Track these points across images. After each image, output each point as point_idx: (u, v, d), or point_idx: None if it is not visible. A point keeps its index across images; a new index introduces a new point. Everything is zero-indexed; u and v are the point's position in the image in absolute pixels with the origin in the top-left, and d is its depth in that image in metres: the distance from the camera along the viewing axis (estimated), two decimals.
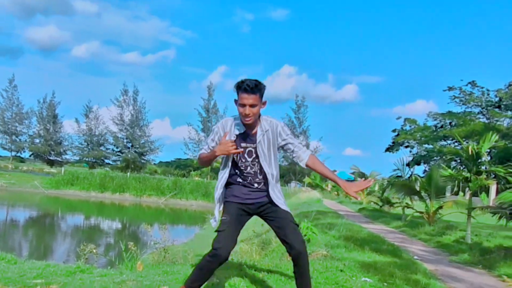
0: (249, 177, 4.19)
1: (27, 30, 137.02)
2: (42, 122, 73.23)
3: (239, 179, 4.22)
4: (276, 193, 4.20)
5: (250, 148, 4.14)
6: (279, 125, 4.18)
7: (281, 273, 5.75)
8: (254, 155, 4.14)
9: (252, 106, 3.95)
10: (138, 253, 7.34)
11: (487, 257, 9.22)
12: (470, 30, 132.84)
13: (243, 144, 4.13)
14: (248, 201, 4.20)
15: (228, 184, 4.28)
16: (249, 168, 4.17)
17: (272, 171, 4.17)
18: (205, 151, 4.29)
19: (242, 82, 3.96)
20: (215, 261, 4.04)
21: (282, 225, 4.16)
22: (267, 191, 4.20)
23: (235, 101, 4.07)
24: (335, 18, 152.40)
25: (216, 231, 4.15)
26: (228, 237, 4.07)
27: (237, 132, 4.13)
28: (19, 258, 6.03)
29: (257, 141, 4.11)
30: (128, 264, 6.23)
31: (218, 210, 4.33)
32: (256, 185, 4.20)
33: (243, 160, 4.16)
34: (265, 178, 4.20)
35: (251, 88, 3.92)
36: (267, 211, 4.22)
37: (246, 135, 4.14)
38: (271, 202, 4.19)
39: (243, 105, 3.95)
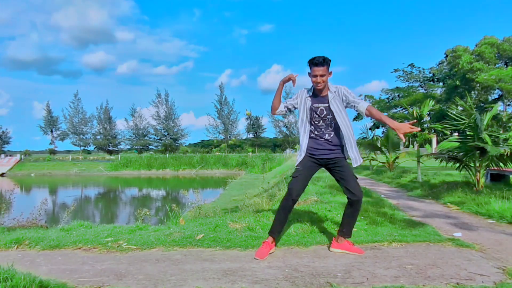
0: (322, 129, 4.14)
1: (83, 57, 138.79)
2: (101, 123, 73.70)
3: (315, 132, 4.16)
4: (351, 146, 4.13)
5: (321, 107, 4.10)
6: (342, 88, 4.14)
7: None
8: (325, 112, 4.09)
9: (321, 75, 3.96)
10: (180, 212, 7.34)
11: (434, 190, 9.21)
12: (407, 23, 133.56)
13: (315, 105, 4.11)
14: (320, 156, 4.14)
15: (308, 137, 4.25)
16: (321, 121, 4.12)
17: (345, 122, 4.09)
18: (282, 109, 4.27)
19: (314, 58, 3.98)
20: (288, 198, 4.09)
21: (346, 177, 4.10)
22: (340, 145, 4.15)
23: (309, 73, 4.06)
24: (307, 25, 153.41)
25: (291, 176, 4.20)
26: (299, 182, 4.11)
27: (310, 94, 4.12)
28: (93, 224, 6.02)
29: (329, 100, 4.08)
30: (173, 221, 6.22)
31: (301, 157, 4.24)
32: (326, 136, 4.13)
33: (316, 117, 4.11)
34: (335, 129, 4.15)
35: (320, 62, 3.94)
36: (334, 165, 4.15)
37: (318, 97, 4.11)
38: (338, 157, 4.13)
39: (315, 76, 3.97)
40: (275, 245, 4.29)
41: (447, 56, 62.19)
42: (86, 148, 76.36)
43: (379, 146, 17.96)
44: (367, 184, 12.13)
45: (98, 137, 73.71)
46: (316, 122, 4.14)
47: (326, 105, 4.09)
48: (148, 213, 7.24)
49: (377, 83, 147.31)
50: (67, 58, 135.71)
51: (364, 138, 20.29)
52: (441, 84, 69.53)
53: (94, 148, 77.42)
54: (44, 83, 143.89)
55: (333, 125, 4.14)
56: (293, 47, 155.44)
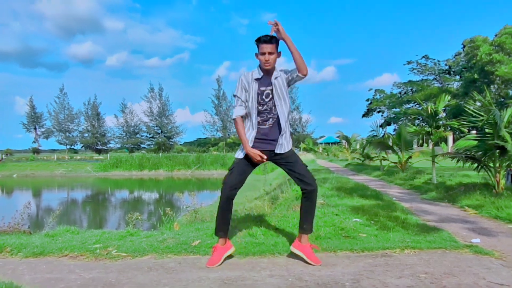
0: (265, 114, 4.13)
1: (70, 48, 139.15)
2: (89, 120, 73.99)
3: (258, 118, 4.13)
4: (287, 134, 4.19)
5: (267, 91, 4.09)
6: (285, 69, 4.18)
7: (288, 221, 5.74)
8: (270, 96, 4.10)
9: (270, 53, 3.99)
10: (174, 216, 7.36)
11: (450, 193, 9.20)
12: (421, 12, 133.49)
13: (262, 88, 4.09)
14: (264, 148, 4.12)
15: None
16: (265, 106, 4.10)
17: (282, 106, 4.11)
18: (240, 106, 4.14)
19: (262, 36, 4.02)
20: (223, 195, 4.11)
21: (295, 167, 4.17)
22: (279, 131, 4.15)
23: (256, 54, 4.07)
24: (313, 15, 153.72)
25: (228, 169, 4.20)
26: (234, 175, 4.11)
27: (257, 77, 4.09)
28: (80, 229, 6.03)
29: (272, 83, 4.08)
30: (167, 226, 6.24)
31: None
32: (270, 120, 4.14)
33: (261, 102, 4.10)
34: (278, 115, 4.14)
35: (268, 39, 3.99)
36: (278, 158, 4.18)
37: (264, 80, 4.10)
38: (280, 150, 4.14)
39: (263, 53, 3.99)
40: (231, 246, 4.29)
41: (464, 47, 61.93)
42: (72, 147, 76.48)
43: (391, 144, 17.91)
44: (378, 186, 12.12)
45: (86, 135, 73.94)
46: (260, 108, 4.14)
47: (271, 87, 4.11)
48: (140, 217, 7.25)
49: (389, 76, 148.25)
50: (52, 49, 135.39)
51: (374, 136, 20.28)
52: (457, 77, 69.43)
53: (81, 147, 77.59)
54: (27, 76, 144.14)
55: (276, 111, 4.14)
56: (297, 37, 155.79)
